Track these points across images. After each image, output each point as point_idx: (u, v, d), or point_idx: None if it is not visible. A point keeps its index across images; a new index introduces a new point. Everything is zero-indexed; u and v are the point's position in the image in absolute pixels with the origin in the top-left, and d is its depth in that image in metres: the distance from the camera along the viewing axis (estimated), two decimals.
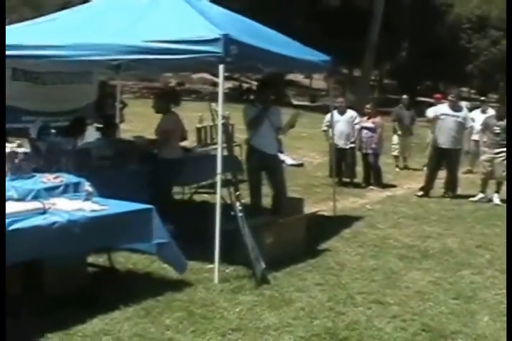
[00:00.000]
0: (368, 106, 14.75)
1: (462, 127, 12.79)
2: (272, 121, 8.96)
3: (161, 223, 6.39)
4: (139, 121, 20.78)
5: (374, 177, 14.11)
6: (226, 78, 7.36)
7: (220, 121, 6.96)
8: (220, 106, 6.95)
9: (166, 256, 6.57)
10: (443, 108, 13.02)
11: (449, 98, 13.09)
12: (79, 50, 7.16)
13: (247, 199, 8.88)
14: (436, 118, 12.91)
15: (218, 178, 6.91)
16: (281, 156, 16.50)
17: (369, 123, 14.00)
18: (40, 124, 9.16)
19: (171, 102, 8.89)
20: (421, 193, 12.95)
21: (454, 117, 12.71)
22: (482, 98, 17.45)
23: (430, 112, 13.35)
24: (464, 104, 14.67)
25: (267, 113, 8.90)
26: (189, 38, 6.86)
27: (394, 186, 14.33)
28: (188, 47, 6.82)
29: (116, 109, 12.09)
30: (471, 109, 15.75)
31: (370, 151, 14.01)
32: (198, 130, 12.31)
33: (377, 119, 14.17)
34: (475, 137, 15.24)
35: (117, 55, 7.18)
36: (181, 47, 6.84)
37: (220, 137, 6.96)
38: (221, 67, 6.79)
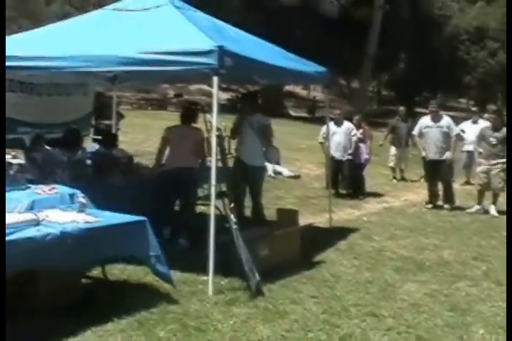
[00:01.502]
0: (356, 117, 14.78)
1: (447, 137, 12.68)
2: (255, 126, 8.98)
3: (153, 235, 6.37)
4: (136, 133, 20.82)
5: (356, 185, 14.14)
6: (224, 89, 7.39)
7: (214, 133, 6.95)
8: (214, 118, 6.94)
9: (158, 269, 6.54)
10: (425, 120, 12.98)
11: (430, 109, 13.08)
12: (74, 62, 7.17)
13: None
14: (421, 132, 12.91)
15: (212, 190, 6.89)
16: (278, 168, 16.57)
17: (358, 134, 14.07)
18: (33, 135, 9.17)
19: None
20: (430, 206, 12.92)
21: (438, 128, 12.69)
22: (473, 109, 17.49)
23: (415, 130, 13.28)
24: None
25: (245, 122, 8.92)
26: (184, 49, 6.86)
27: (391, 197, 14.33)
28: (183, 59, 6.83)
29: (113, 120, 12.09)
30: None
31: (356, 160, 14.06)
32: None
33: (361, 131, 14.22)
34: (467, 148, 15.27)
35: (112, 67, 7.19)
36: (176, 59, 6.85)
37: (213, 149, 6.94)
38: (215, 78, 6.79)
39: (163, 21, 7.68)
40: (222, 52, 6.76)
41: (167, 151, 8.98)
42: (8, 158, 7.55)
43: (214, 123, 6.97)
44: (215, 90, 6.86)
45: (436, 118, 12.77)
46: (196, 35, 7.25)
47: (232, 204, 7.25)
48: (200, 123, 9.16)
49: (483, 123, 14.56)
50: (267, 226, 8.78)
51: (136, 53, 6.94)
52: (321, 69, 9.65)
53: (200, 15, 8.45)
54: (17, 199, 6.54)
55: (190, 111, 8.85)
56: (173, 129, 8.98)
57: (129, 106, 34.63)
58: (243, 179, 9.09)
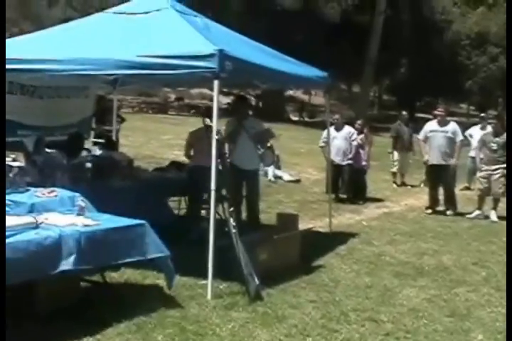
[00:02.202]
0: (358, 122, 14.79)
1: (452, 142, 12.68)
2: (250, 135, 9.02)
3: (156, 237, 6.36)
4: (137, 136, 20.83)
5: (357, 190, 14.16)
6: (226, 93, 7.39)
7: (214, 136, 6.94)
8: (214, 122, 6.94)
9: (162, 270, 6.53)
10: (431, 125, 12.98)
11: (436, 113, 13.05)
12: (75, 65, 7.16)
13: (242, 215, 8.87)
14: (425, 136, 12.90)
15: (212, 194, 6.88)
16: (278, 172, 16.60)
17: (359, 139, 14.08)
18: (35, 138, 9.16)
19: None
20: (430, 211, 12.91)
21: (443, 133, 12.67)
22: (482, 114, 17.31)
23: (420, 134, 13.26)
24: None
25: (243, 126, 8.93)
26: (184, 53, 6.85)
27: (391, 202, 14.33)
28: (183, 63, 6.82)
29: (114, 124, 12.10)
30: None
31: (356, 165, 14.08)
32: None
33: (362, 136, 14.22)
34: (472, 154, 15.22)
35: (112, 70, 7.16)
36: (176, 63, 6.84)
37: (213, 152, 6.93)
38: (216, 82, 6.78)
39: (164, 25, 7.68)
40: (222, 55, 6.74)
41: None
42: (8, 160, 7.52)
43: (214, 126, 6.96)
44: (215, 94, 6.86)
45: (442, 123, 12.76)
46: (197, 38, 7.25)
47: (232, 209, 7.23)
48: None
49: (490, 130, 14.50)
50: (262, 230, 8.79)
51: (136, 57, 6.94)
52: (321, 73, 9.65)
53: (200, 19, 8.44)
54: (16, 202, 6.56)
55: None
56: (196, 133, 9.34)
57: (130, 109, 34.64)
58: (238, 184, 9.10)
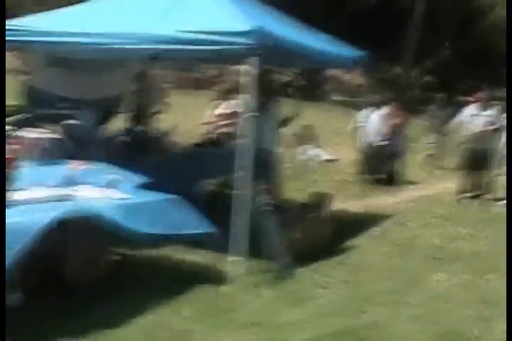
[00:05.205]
0: (392, 104, 14.63)
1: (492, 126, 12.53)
2: (272, 114, 8.87)
3: (193, 213, 6.35)
4: (176, 111, 20.78)
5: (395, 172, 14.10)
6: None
7: (248, 114, 6.90)
8: (251, 100, 6.91)
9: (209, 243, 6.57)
10: (471, 109, 12.81)
11: (476, 97, 12.87)
12: (112, 39, 7.16)
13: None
14: (465, 119, 12.74)
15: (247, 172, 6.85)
16: (317, 151, 16.48)
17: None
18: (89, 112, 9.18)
19: None
20: (469, 195, 12.77)
21: (483, 117, 12.51)
22: None
23: (461, 117, 13.10)
24: None
25: (267, 105, 8.83)
26: (223, 29, 6.82)
27: (428, 185, 14.20)
28: (222, 39, 6.78)
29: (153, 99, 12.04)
30: None
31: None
32: None
33: (397, 120, 14.07)
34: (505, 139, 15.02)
35: (149, 45, 7.15)
36: (215, 39, 6.80)
37: (248, 130, 6.90)
38: (255, 59, 6.74)
39: (204, 0, 7.63)
40: (262, 33, 6.71)
41: None
42: (44, 131, 7.59)
43: (250, 104, 6.93)
44: (253, 71, 6.81)
45: (483, 107, 12.59)
46: (237, 15, 7.19)
47: (263, 186, 7.20)
48: None
49: None
50: (295, 209, 8.73)
51: (174, 32, 6.92)
52: (359, 53, 9.55)
53: None
54: (51, 174, 6.61)
55: None
56: None
57: (170, 84, 34.62)
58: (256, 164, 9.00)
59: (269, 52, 6.87)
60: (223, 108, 10.94)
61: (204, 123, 11.18)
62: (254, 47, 6.70)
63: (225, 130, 10.38)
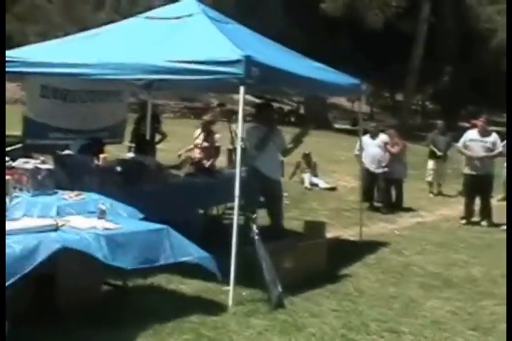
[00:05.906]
0: (389, 131, 14.68)
1: (490, 152, 12.54)
2: (277, 143, 8.89)
3: (183, 240, 6.31)
4: (176, 141, 20.84)
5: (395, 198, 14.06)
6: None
7: (239, 144, 6.92)
8: (239, 128, 6.93)
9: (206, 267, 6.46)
10: (471, 134, 12.83)
11: (478, 123, 12.88)
12: (105, 69, 7.25)
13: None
14: (465, 145, 12.75)
15: (236, 201, 6.85)
16: (315, 180, 16.50)
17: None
18: (83, 142, 9.22)
19: None
20: (464, 221, 12.76)
21: (482, 142, 12.52)
22: None
23: (460, 142, 13.12)
24: None
25: (271, 135, 8.84)
26: (211, 58, 6.85)
27: (426, 212, 14.19)
28: (210, 68, 6.82)
29: (147, 128, 12.09)
30: None
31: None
32: (229, 151, 12.27)
33: (396, 148, 14.07)
34: None
35: (140, 75, 7.23)
36: (203, 68, 6.84)
37: (238, 159, 6.91)
38: (242, 88, 6.77)
39: (194, 30, 7.70)
40: (249, 62, 6.73)
41: None
42: (37, 162, 7.60)
43: (239, 133, 6.95)
44: (241, 100, 6.85)
45: (482, 133, 12.59)
46: (225, 44, 7.23)
47: (255, 215, 7.20)
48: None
49: None
50: (288, 237, 8.70)
51: (163, 62, 6.97)
52: (353, 80, 9.59)
53: (232, 25, 8.46)
54: (44, 204, 6.60)
55: None
56: None
57: (172, 114, 34.77)
58: (261, 193, 8.95)
59: (258, 81, 6.89)
60: (200, 139, 11.04)
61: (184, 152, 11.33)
62: (241, 77, 6.73)
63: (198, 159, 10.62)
